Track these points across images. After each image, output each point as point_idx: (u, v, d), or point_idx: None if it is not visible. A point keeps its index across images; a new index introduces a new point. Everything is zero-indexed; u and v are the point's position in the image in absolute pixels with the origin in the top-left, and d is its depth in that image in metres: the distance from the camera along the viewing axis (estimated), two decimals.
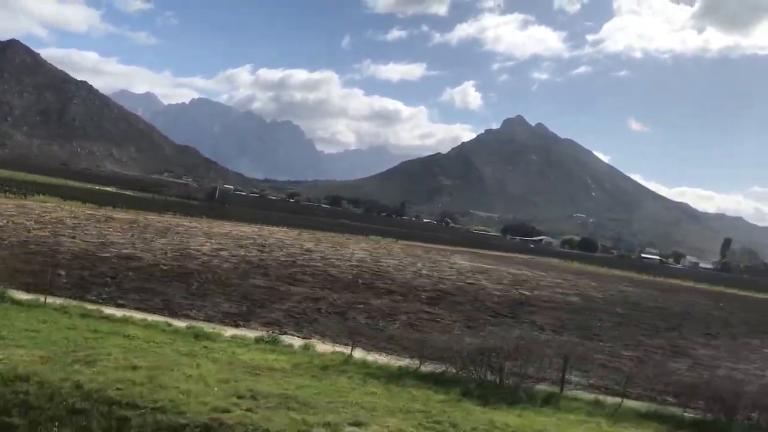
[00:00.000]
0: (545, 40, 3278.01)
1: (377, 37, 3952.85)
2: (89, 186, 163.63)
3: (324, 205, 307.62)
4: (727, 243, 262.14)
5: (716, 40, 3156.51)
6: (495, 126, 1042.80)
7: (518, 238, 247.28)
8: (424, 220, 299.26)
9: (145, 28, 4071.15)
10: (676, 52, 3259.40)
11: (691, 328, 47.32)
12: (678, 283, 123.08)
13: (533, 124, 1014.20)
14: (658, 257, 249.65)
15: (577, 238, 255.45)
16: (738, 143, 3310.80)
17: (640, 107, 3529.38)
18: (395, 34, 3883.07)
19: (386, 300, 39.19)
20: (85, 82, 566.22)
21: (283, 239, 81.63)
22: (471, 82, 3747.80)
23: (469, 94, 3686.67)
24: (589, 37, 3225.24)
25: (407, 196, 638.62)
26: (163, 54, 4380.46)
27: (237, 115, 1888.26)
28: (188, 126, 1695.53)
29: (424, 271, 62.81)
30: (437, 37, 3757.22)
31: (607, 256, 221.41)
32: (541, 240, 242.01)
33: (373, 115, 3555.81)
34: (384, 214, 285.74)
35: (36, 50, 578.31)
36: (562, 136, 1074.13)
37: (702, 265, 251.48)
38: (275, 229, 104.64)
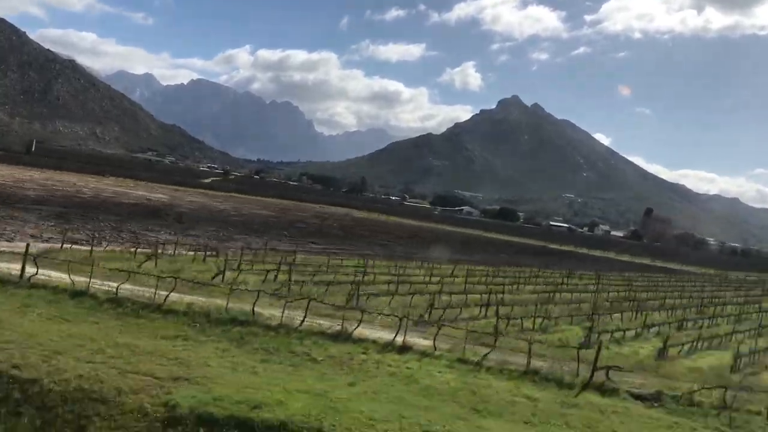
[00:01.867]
0: (543, 20, 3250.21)
1: (376, 16, 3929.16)
2: None
3: (292, 183, 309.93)
4: (648, 212, 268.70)
5: (716, 20, 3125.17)
6: (492, 107, 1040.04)
7: (439, 208, 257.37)
8: (382, 196, 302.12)
9: (142, 8, 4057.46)
10: (675, 33, 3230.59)
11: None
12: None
13: (529, 104, 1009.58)
14: (566, 226, 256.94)
15: (497, 209, 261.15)
16: (739, 126, 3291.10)
17: (640, 89, 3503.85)
18: (394, 13, 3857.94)
19: None
20: (71, 61, 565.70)
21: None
22: (471, 63, 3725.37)
23: (469, 74, 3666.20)
24: (588, 17, 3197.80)
25: (397, 177, 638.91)
26: (162, 35, 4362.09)
27: (236, 96, 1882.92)
28: (186, 107, 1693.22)
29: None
30: (436, 17, 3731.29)
31: (512, 224, 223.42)
32: (462, 210, 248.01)
33: (373, 97, 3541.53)
34: (345, 190, 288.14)
35: (34, 30, 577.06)
36: (559, 117, 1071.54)
37: (613, 233, 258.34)
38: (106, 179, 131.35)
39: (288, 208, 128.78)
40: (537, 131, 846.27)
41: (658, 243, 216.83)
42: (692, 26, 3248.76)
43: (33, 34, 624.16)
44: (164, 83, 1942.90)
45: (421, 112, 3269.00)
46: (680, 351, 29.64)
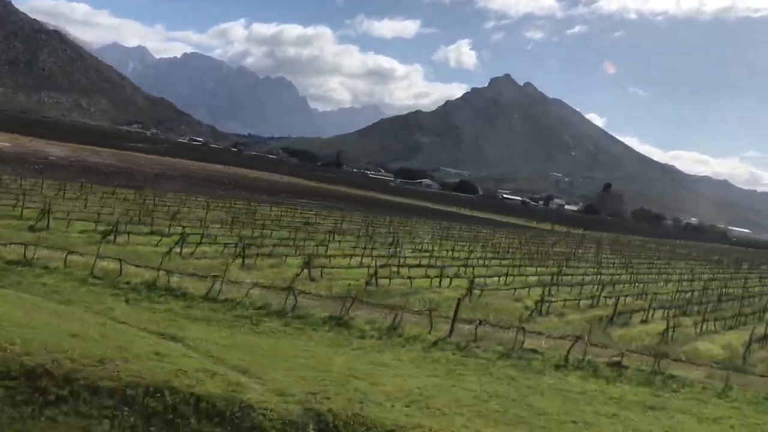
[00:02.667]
0: None
1: None
2: None
3: (270, 156, 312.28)
4: (606, 187, 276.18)
5: (710, 1, 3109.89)
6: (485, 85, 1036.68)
7: (399, 179, 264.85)
8: (354, 170, 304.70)
9: None
10: (669, 14, 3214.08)
11: None
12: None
13: (521, 83, 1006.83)
14: (520, 199, 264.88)
15: (456, 182, 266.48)
16: (733, 107, 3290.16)
17: (634, 69, 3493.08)
18: None
19: None
20: (57, 31, 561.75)
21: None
22: (466, 41, 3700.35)
23: (463, 52, 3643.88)
24: None
25: (387, 153, 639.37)
26: (156, 6, 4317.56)
27: (229, 71, 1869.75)
28: (179, 81, 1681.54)
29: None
30: None
31: (463, 195, 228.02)
32: (421, 182, 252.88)
33: (367, 73, 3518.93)
34: (320, 164, 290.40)
35: (23, 0, 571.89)
36: (553, 97, 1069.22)
37: (567, 207, 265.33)
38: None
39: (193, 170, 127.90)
40: (527, 110, 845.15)
41: (612, 217, 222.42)
42: (686, 8, 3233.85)
43: (21, 5, 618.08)
44: (157, 56, 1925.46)
45: (416, 90, 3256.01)
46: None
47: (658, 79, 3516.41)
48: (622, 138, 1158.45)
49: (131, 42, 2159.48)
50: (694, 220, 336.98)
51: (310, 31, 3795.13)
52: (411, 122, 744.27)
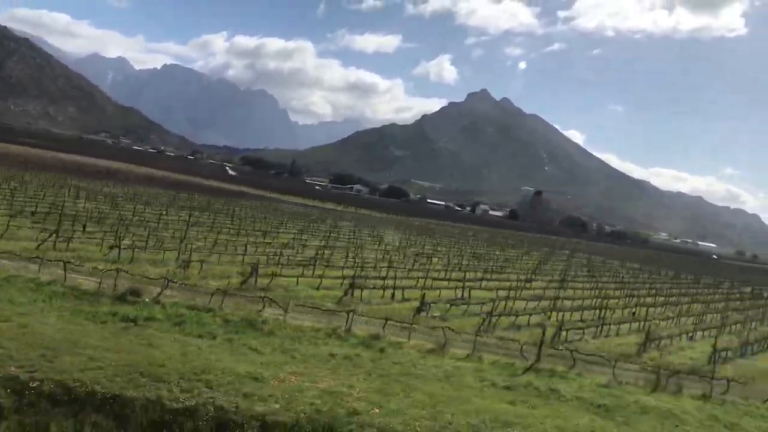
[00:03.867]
0: (518, 15, 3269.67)
1: (352, 5, 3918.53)
2: None
3: (228, 165, 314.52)
4: (537, 193, 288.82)
5: (686, 21, 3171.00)
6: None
7: (330, 185, 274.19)
8: (306, 179, 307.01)
9: None
10: (647, 32, 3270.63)
11: None
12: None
13: (498, 98, 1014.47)
14: (444, 203, 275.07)
15: (385, 187, 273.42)
16: (709, 125, 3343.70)
17: (613, 86, 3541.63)
18: (370, 3, 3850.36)
19: None
20: (27, 39, 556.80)
21: None
22: (447, 56, 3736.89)
23: (444, 68, 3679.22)
24: (562, 14, 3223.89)
25: (361, 165, 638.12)
26: (137, 17, 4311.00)
27: (210, 82, 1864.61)
28: (159, 92, 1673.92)
29: None
30: (411, 9, 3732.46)
31: (388, 199, 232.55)
32: (353, 188, 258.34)
33: (349, 87, 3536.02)
34: (273, 172, 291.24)
35: (3, 9, 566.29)
36: (531, 113, 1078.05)
37: (492, 212, 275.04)
38: None
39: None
40: (503, 125, 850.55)
41: (534, 222, 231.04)
42: (663, 26, 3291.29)
43: (2, 14, 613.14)
44: (138, 67, 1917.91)
45: (397, 104, 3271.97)
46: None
47: (636, 97, 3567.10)
48: (601, 155, 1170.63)
49: (111, 53, 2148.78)
50: (619, 227, 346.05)
51: (292, 44, 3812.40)
52: (385, 135, 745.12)
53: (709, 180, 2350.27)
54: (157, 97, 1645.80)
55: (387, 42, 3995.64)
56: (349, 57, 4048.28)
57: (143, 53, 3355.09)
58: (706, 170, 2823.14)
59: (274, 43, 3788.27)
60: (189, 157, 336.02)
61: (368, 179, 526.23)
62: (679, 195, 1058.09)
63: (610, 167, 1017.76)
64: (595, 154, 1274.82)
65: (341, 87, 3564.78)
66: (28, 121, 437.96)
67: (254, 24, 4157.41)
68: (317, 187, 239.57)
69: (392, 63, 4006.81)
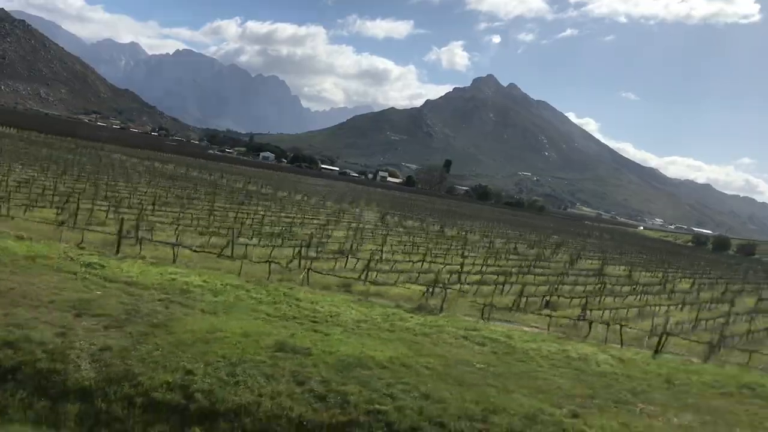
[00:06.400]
0: (528, 0, 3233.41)
1: None
2: None
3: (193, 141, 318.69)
4: (446, 164, 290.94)
5: (699, 6, 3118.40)
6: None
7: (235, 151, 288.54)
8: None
9: None
10: (659, 18, 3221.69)
11: None
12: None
13: (506, 84, 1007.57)
14: (338, 170, 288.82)
15: (291, 155, 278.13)
16: (725, 114, 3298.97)
17: (626, 74, 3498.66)
18: None
19: None
20: (23, 21, 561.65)
21: None
22: (458, 42, 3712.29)
23: (456, 54, 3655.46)
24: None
25: (355, 150, 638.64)
26: (150, 2, 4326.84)
27: (221, 68, 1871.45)
28: (170, 77, 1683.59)
29: None
30: None
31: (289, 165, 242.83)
32: (259, 155, 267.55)
33: (361, 74, 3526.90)
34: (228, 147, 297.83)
35: None
36: (539, 99, 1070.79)
37: (391, 179, 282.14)
38: None
39: None
40: (505, 111, 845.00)
41: (428, 188, 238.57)
42: (676, 12, 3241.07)
43: None
44: (150, 52, 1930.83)
45: (410, 91, 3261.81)
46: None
47: (650, 85, 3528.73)
48: (617, 143, 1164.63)
49: (124, 38, 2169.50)
50: (539, 200, 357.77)
51: (303, 30, 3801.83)
52: (381, 120, 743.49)
53: (728, 170, 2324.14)
54: (169, 82, 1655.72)
55: (398, 28, 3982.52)
56: (361, 43, 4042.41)
57: (156, 38, 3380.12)
58: (723, 159, 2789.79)
59: (287, 29, 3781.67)
60: (153, 133, 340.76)
61: (356, 162, 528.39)
62: (687, 183, 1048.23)
63: (616, 154, 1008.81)
64: (611, 142, 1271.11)
65: (353, 73, 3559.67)
66: (16, 101, 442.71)
67: (267, 9, 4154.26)
68: (213, 151, 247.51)
69: (404, 49, 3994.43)
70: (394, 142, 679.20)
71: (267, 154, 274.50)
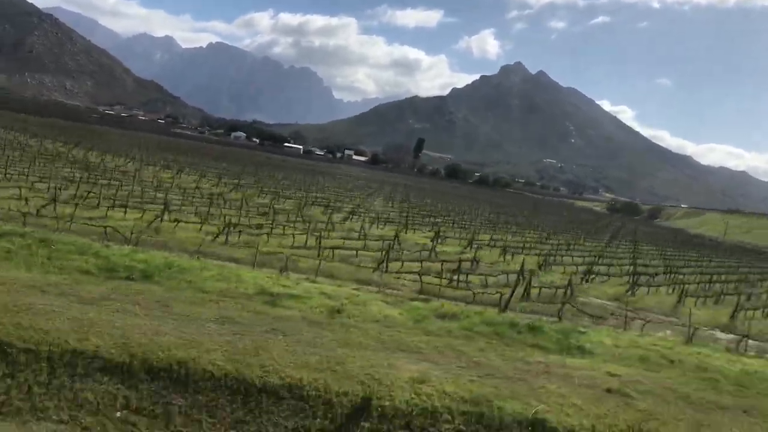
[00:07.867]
0: None
1: None
2: None
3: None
4: (420, 143, 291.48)
5: None
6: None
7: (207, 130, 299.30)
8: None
9: None
10: (693, 3, 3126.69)
11: None
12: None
13: (534, 72, 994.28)
14: (302, 147, 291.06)
15: (267, 134, 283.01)
16: (764, 100, 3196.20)
17: (662, 60, 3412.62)
18: None
19: None
20: (51, 15, 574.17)
21: None
22: (489, 31, 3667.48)
23: (487, 42, 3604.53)
24: None
25: (377, 138, 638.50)
26: None
27: (254, 60, 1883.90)
28: (204, 70, 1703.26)
29: None
30: None
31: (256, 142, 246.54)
32: (231, 135, 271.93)
33: (393, 64, 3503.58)
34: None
35: None
36: (567, 86, 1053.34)
37: (357, 157, 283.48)
38: None
39: None
40: (531, 98, 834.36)
41: (394, 165, 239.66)
42: None
43: None
44: (184, 46, 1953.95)
45: (442, 80, 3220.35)
46: None
47: (686, 71, 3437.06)
48: (653, 131, 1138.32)
49: (159, 32, 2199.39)
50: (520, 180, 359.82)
51: (335, 21, 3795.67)
52: (404, 108, 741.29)
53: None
54: (203, 75, 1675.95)
55: (428, 17, 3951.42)
56: (392, 33, 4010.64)
57: (190, 32, 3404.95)
58: (765, 147, 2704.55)
59: (318, 20, 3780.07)
60: (159, 120, 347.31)
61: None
62: (722, 170, 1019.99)
63: (648, 142, 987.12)
64: (647, 130, 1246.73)
65: (385, 64, 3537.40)
66: (42, 93, 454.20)
67: (299, 1, 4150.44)
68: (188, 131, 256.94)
69: (435, 38, 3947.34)
70: (416, 131, 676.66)
71: (239, 133, 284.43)
